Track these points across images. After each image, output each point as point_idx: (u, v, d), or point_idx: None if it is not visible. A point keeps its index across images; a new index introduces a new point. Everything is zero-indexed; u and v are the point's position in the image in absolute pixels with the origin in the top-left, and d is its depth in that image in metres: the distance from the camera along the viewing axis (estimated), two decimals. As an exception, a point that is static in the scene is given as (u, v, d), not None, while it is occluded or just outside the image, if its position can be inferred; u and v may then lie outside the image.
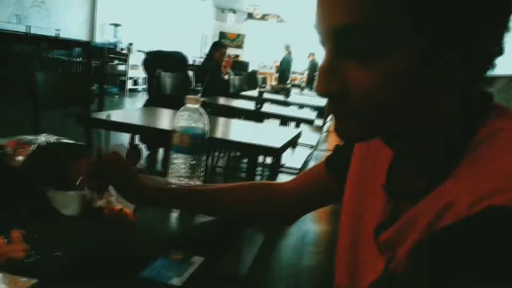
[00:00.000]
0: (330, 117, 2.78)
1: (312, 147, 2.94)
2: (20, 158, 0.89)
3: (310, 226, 1.15)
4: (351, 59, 0.47)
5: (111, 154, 0.92)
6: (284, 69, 11.83)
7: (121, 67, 9.99)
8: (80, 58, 8.43)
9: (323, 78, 0.49)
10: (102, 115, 2.26)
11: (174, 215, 1.06)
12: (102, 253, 0.83)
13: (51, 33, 8.22)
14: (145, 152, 4.29)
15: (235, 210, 0.95)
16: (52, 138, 0.97)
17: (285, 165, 3.43)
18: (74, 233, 0.88)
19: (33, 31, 7.80)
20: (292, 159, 3.52)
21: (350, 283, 0.64)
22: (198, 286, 0.77)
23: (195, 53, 13.04)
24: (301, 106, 5.10)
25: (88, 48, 8.50)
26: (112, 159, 0.91)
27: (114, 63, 9.73)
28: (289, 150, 2.95)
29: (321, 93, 0.50)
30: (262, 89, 4.36)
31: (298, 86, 9.23)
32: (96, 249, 0.85)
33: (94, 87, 8.02)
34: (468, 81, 0.48)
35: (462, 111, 0.50)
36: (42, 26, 8.17)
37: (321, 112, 4.85)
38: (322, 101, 4.99)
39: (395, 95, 0.47)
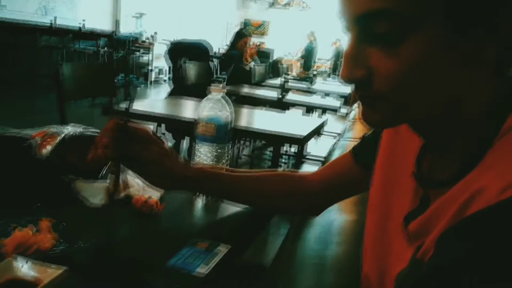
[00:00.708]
0: (355, 105, 2.74)
1: (337, 135, 2.91)
2: (48, 148, 0.90)
3: (335, 215, 1.14)
4: (375, 45, 0.47)
5: (141, 126, 0.85)
6: (307, 56, 11.73)
7: (145, 58, 10.07)
8: (105, 49, 8.53)
9: (348, 64, 0.49)
10: (127, 106, 2.28)
11: (200, 203, 1.06)
12: (128, 242, 0.84)
13: (76, 24, 8.34)
14: (170, 142, 4.33)
15: (262, 201, 0.95)
16: (79, 129, 0.98)
17: (310, 154, 3.41)
18: (101, 223, 0.89)
19: (59, 22, 7.92)
20: (317, 148, 3.49)
21: (377, 273, 0.63)
22: (224, 274, 0.77)
23: (220, 42, 13.03)
24: (326, 94, 5.05)
25: (112, 39, 8.59)
26: (142, 130, 0.84)
27: (137, 54, 9.81)
28: (313, 139, 2.92)
29: (346, 79, 0.50)
30: (286, 78, 4.32)
31: (323, 73, 9.14)
32: (123, 239, 0.85)
33: (118, 78, 8.14)
34: (500, 61, 0.47)
35: (495, 94, 0.48)
36: (68, 17, 8.29)
37: (347, 100, 4.78)
38: (347, 89, 4.92)
39: (420, 79, 0.47)
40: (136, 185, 0.97)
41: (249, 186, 0.94)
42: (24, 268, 0.65)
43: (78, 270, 0.68)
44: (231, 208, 1.02)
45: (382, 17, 0.45)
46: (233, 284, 0.81)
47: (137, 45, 9.77)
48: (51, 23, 7.86)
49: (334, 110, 3.86)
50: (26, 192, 0.88)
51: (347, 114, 3.83)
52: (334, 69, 11.56)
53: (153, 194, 0.95)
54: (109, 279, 0.70)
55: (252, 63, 5.84)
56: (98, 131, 1.05)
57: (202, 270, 0.74)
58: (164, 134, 3.29)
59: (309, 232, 1.12)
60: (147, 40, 10.14)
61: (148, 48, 10.02)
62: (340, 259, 1.02)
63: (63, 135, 0.89)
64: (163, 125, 3.10)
